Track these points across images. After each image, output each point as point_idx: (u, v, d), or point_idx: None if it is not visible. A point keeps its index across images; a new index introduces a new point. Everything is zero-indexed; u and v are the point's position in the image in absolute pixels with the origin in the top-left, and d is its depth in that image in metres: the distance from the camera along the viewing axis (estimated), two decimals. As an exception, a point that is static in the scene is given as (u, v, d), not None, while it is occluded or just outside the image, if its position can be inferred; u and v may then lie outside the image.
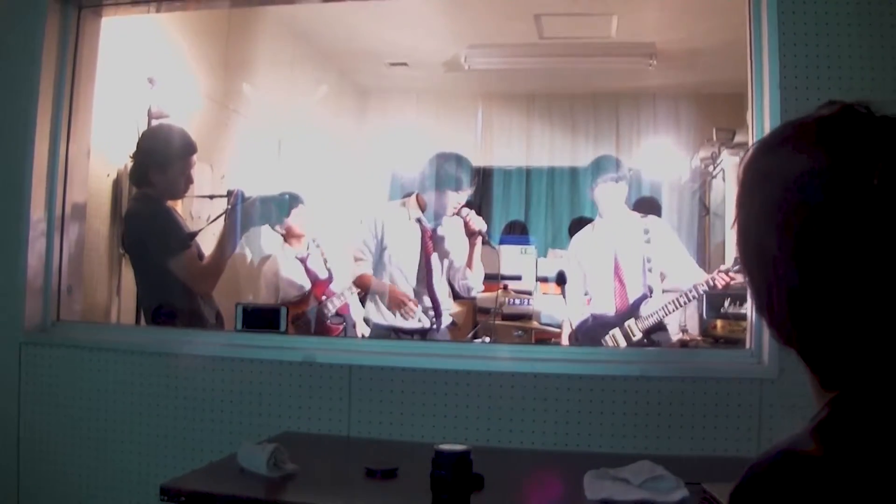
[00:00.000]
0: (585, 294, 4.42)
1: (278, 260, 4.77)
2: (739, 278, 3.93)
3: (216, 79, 5.24)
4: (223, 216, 3.70)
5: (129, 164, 3.77)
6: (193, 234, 3.66)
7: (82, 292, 3.65)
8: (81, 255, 3.62)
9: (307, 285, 4.70)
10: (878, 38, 2.72)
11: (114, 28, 3.76)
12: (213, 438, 3.09)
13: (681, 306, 4.15)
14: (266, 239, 4.92)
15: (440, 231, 4.29)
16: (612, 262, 4.29)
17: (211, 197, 4.47)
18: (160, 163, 3.59)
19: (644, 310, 4.18)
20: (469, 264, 4.27)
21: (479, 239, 4.24)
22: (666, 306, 4.12)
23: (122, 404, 3.20)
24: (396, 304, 4.18)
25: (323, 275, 4.70)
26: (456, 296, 4.52)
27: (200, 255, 3.65)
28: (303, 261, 4.77)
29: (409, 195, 4.43)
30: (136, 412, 3.18)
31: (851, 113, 0.96)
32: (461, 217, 4.20)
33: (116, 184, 4.08)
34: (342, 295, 4.56)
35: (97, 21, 3.60)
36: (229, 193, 3.72)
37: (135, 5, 3.73)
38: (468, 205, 4.23)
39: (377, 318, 4.28)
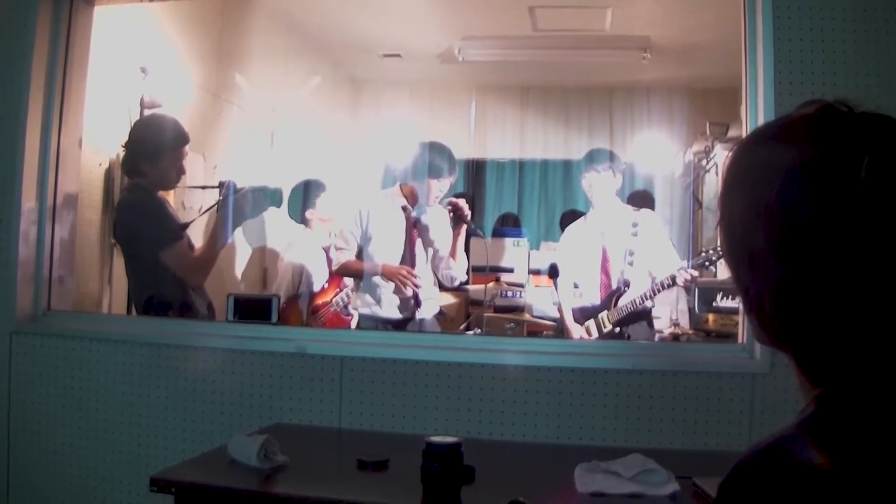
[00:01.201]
0: (576, 287, 4.43)
1: (302, 249, 4.82)
2: (696, 274, 4.02)
3: (209, 69, 5.23)
4: (215, 207, 3.70)
5: (122, 153, 3.75)
6: (185, 225, 3.66)
7: (74, 282, 3.64)
8: (73, 245, 3.61)
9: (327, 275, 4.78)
10: (873, 33, 2.73)
11: (106, 17, 3.75)
12: (204, 429, 3.09)
13: (647, 299, 4.17)
14: (284, 227, 4.96)
15: (424, 220, 4.28)
16: (600, 255, 4.30)
17: (203, 187, 4.46)
18: (152, 153, 3.58)
19: (617, 302, 4.21)
20: (453, 254, 4.27)
21: (464, 228, 4.23)
22: (633, 301, 4.15)
23: (113, 394, 3.19)
24: (392, 275, 4.17)
25: None
26: (443, 286, 4.53)
27: (191, 247, 3.64)
28: (326, 251, 4.80)
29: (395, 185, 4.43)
30: (127, 402, 3.18)
31: (833, 110, 0.96)
32: (444, 206, 4.21)
33: (108, 173, 4.07)
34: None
35: (89, 10, 3.59)
36: (221, 185, 3.72)
37: (128, -6, 3.72)
38: (461, 196, 4.24)
39: (363, 309, 4.28)
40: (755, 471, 0.88)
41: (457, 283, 4.45)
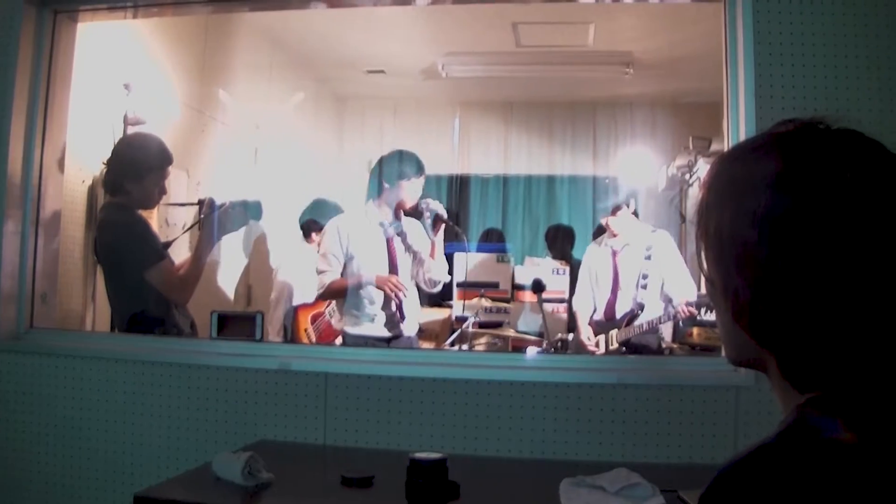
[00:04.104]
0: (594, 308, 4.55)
1: (297, 262, 4.90)
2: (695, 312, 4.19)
3: (193, 85, 5.22)
4: (197, 225, 3.68)
5: (103, 170, 3.73)
6: (168, 244, 3.64)
7: (57, 299, 3.62)
8: (56, 262, 3.59)
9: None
10: (852, 48, 2.75)
11: (90, 33, 3.74)
12: (188, 447, 3.07)
13: (652, 330, 4.24)
14: (284, 241, 4.99)
15: (403, 230, 4.26)
16: (612, 274, 4.41)
17: (181, 205, 4.43)
18: (136, 173, 3.55)
19: (630, 323, 4.28)
20: (432, 253, 4.23)
21: (443, 228, 4.22)
22: (641, 325, 4.23)
23: (96, 412, 3.17)
24: (382, 284, 4.14)
25: None
26: (432, 302, 4.49)
27: (173, 265, 3.63)
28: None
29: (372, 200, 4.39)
30: (110, 420, 3.16)
31: (811, 127, 1.01)
32: (423, 208, 4.20)
33: (92, 190, 4.05)
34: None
35: (73, 26, 3.58)
36: (200, 203, 3.70)
37: (111, 11, 3.70)
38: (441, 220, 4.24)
39: (351, 329, 4.24)
40: (732, 479, 0.90)
41: (438, 288, 4.37)
